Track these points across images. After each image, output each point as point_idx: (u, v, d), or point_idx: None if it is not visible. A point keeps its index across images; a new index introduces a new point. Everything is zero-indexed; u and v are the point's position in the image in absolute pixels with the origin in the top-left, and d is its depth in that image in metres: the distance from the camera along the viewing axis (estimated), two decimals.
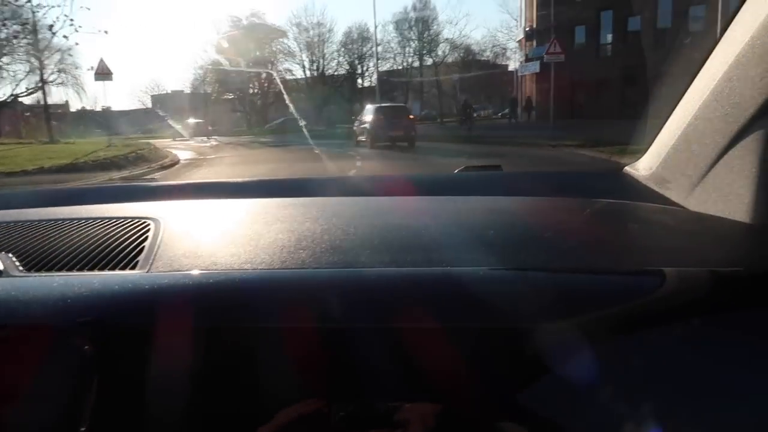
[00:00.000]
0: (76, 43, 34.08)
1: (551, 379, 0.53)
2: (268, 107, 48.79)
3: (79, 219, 0.90)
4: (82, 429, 0.53)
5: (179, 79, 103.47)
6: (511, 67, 48.57)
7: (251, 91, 49.26)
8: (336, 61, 49.24)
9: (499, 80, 49.53)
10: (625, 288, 0.61)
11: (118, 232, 0.81)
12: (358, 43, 48.60)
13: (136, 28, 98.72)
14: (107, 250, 0.73)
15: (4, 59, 28.18)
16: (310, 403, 0.55)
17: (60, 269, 0.69)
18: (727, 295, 0.60)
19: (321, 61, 48.62)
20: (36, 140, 27.99)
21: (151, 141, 25.51)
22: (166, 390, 0.55)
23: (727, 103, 0.82)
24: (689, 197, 0.94)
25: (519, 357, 0.55)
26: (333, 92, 46.66)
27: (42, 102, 34.02)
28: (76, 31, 19.48)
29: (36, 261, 0.71)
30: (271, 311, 0.58)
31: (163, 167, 14.06)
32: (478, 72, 44.14)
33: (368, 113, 18.25)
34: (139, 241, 0.76)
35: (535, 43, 34.36)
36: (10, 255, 0.72)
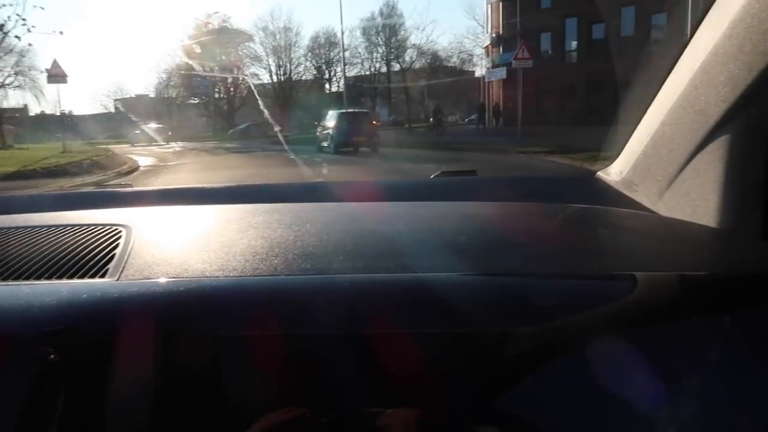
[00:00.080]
0: (30, 44, 32.71)
1: (526, 384, 0.54)
2: (234, 112, 48.09)
3: (49, 226, 0.87)
4: None
5: (143, 83, 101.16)
6: (477, 74, 48.96)
7: (217, 95, 48.46)
8: (303, 65, 48.92)
9: (466, 86, 49.82)
10: (595, 293, 0.62)
11: (89, 239, 0.79)
12: (325, 48, 48.34)
13: (99, 30, 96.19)
14: (76, 258, 0.72)
15: None
16: (291, 410, 0.54)
17: (27, 278, 0.67)
18: (695, 300, 0.61)
19: (288, 65, 48.20)
20: None
21: (110, 147, 24.76)
22: (136, 400, 0.55)
23: (693, 110, 0.85)
24: (659, 202, 0.97)
25: (493, 362, 0.55)
26: (300, 97, 46.20)
27: None
28: (29, 31, 18.59)
29: (2, 269, 0.70)
30: (243, 319, 0.58)
31: (120, 174, 13.49)
32: (446, 78, 44.33)
33: (331, 119, 18.29)
34: (109, 248, 0.75)
35: (501, 49, 34.61)
36: None
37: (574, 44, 31.19)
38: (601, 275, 0.66)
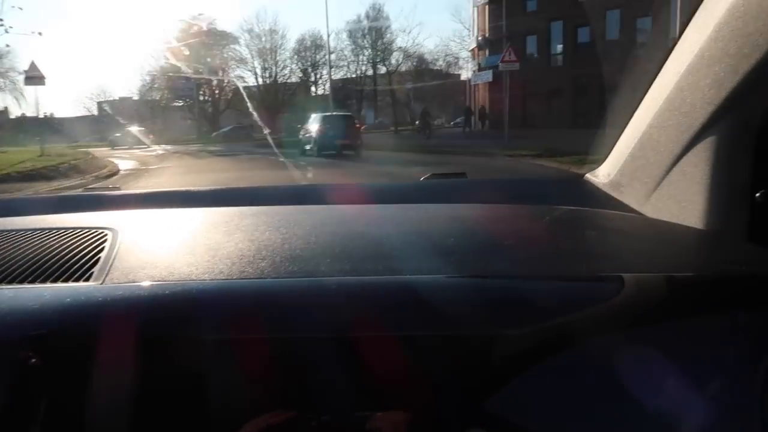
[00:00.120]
0: (7, 45, 32.07)
1: (515, 386, 0.55)
2: (219, 115, 47.67)
3: (33, 230, 0.86)
4: None
5: (127, 85, 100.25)
6: (463, 77, 49.02)
7: (202, 98, 48.02)
8: (289, 68, 48.64)
9: (452, 89, 49.85)
10: (584, 294, 0.62)
11: (74, 242, 0.78)
12: (311, 50, 48.10)
13: (82, 31, 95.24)
14: (61, 262, 0.71)
15: None
16: (280, 413, 0.54)
17: (11, 282, 0.66)
18: (682, 301, 0.61)
19: (274, 68, 47.89)
20: None
21: (91, 150, 24.30)
22: (120, 405, 0.54)
23: (679, 112, 0.86)
24: (646, 204, 0.98)
25: (482, 364, 0.56)
26: (286, 100, 45.89)
27: None
28: (6, 32, 18.18)
29: None
30: (229, 322, 0.58)
31: (99, 178, 13.18)
32: (432, 81, 44.28)
33: (314, 122, 18.33)
34: (94, 251, 0.74)
35: (487, 52, 34.62)
36: None
37: (559, 47, 31.26)
38: (589, 277, 0.66)
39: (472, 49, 38.89)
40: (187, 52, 40.23)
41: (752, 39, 0.70)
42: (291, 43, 69.69)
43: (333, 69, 45.80)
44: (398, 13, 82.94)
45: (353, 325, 0.57)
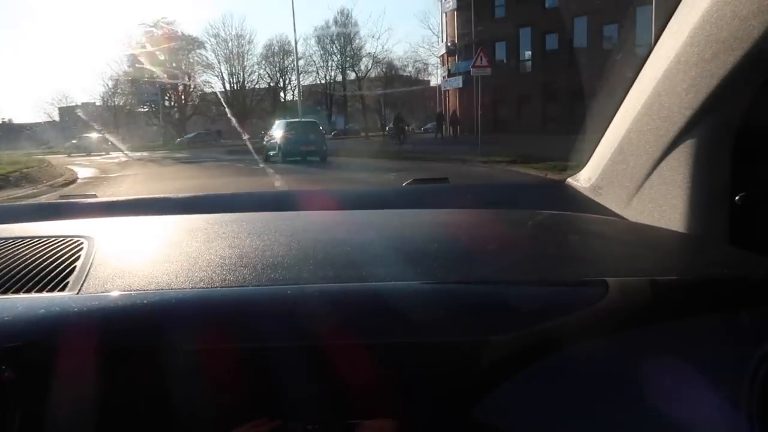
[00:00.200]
0: None
1: (501, 392, 0.54)
2: (186, 120, 46.73)
3: (6, 239, 0.84)
4: None
5: (90, 90, 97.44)
6: (432, 83, 49.17)
7: (168, 103, 46.98)
8: (257, 74, 48.00)
9: (422, 95, 49.91)
10: (568, 299, 0.62)
11: (48, 251, 0.77)
12: (279, 56, 47.62)
13: (43, 35, 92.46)
14: (35, 272, 0.69)
15: None
16: (264, 422, 0.54)
17: None
18: (666, 305, 0.61)
19: (241, 73, 47.20)
20: None
21: (48, 157, 23.31)
22: (97, 418, 0.53)
23: (658, 117, 0.87)
24: (627, 208, 0.99)
25: (468, 371, 0.55)
26: (254, 106, 45.22)
27: None
28: None
29: None
30: (209, 332, 0.56)
31: (53, 188, 12.48)
32: (401, 87, 44.22)
33: (278, 128, 18.24)
34: (70, 260, 0.73)
35: (457, 58, 34.63)
36: None
37: (528, 54, 31.43)
38: (574, 282, 0.67)
39: (442, 55, 38.92)
40: (151, 57, 39.29)
41: (727, 43, 0.72)
42: (258, 48, 69.13)
43: (302, 75, 45.46)
44: (367, 19, 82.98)
45: (337, 332, 0.56)
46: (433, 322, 0.57)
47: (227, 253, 0.74)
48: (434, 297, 0.61)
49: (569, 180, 1.25)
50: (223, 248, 0.76)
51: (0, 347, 0.53)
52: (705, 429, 0.52)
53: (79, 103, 53.50)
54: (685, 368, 0.54)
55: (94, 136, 34.15)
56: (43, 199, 10.33)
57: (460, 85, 32.69)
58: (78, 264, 0.71)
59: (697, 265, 0.76)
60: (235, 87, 46.64)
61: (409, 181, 1.44)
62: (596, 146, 1.12)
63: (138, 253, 0.80)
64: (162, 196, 1.44)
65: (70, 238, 0.83)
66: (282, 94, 49.29)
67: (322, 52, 46.46)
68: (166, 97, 46.52)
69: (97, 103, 49.89)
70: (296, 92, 42.31)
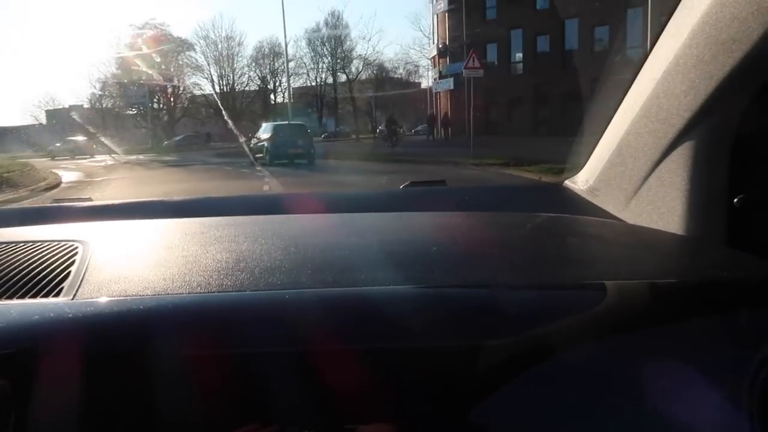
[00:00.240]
0: None
1: (499, 396, 0.54)
2: (175, 123, 46.31)
3: None
4: None
5: (78, 93, 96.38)
6: (423, 85, 49.02)
7: (157, 106, 46.53)
8: (247, 76, 47.66)
9: (413, 97, 49.76)
10: (567, 303, 0.62)
11: (42, 256, 0.76)
12: (269, 58, 47.32)
13: (30, 37, 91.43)
14: (29, 277, 0.68)
15: None
16: (259, 427, 0.53)
17: None
18: (665, 307, 0.61)
19: (231, 75, 46.84)
20: None
21: (32, 161, 22.91)
22: (93, 426, 0.52)
23: (656, 119, 0.87)
24: (625, 210, 0.99)
25: (465, 375, 0.55)
26: (244, 108, 44.89)
27: None
28: None
29: None
30: (207, 337, 0.56)
31: (35, 192, 12.22)
32: (392, 88, 44.07)
33: (266, 131, 18.36)
34: (65, 265, 0.72)
35: (448, 60, 34.48)
36: None
37: (519, 56, 31.34)
38: (572, 285, 0.66)
39: (433, 57, 38.77)
40: (139, 58, 38.89)
41: (726, 45, 0.72)
42: (248, 50, 68.66)
43: (292, 77, 45.19)
44: (358, 21, 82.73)
45: (337, 337, 0.55)
46: (430, 326, 0.56)
47: (224, 257, 0.73)
48: (432, 301, 0.61)
49: (567, 182, 1.24)
50: (219, 252, 0.75)
51: None
52: (704, 430, 0.52)
53: (67, 106, 52.97)
54: (683, 371, 0.53)
55: (79, 139, 33.69)
56: (25, 203, 10.02)
57: (451, 87, 32.53)
58: (73, 269, 0.70)
59: (695, 268, 0.75)
60: (225, 89, 46.30)
61: (406, 183, 1.43)
62: (593, 148, 1.11)
63: (133, 257, 0.78)
64: (157, 199, 1.40)
65: (64, 243, 0.81)
66: (273, 97, 49.03)
67: (312, 53, 46.30)
68: (155, 100, 46.09)
69: (85, 106, 49.40)
70: (287, 94, 42.04)
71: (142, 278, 0.66)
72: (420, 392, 0.54)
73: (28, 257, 0.75)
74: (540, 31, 29.28)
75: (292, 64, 44.78)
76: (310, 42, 45.91)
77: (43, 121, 55.02)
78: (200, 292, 0.61)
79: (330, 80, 46.35)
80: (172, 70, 43.86)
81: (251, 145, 19.47)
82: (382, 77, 46.34)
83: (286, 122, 21.03)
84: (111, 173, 18.09)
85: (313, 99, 47.78)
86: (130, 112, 46.92)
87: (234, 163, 18.42)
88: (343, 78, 45.70)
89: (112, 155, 29.43)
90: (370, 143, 32.47)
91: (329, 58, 45.52)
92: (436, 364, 0.55)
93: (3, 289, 0.64)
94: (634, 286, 0.64)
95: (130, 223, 1.04)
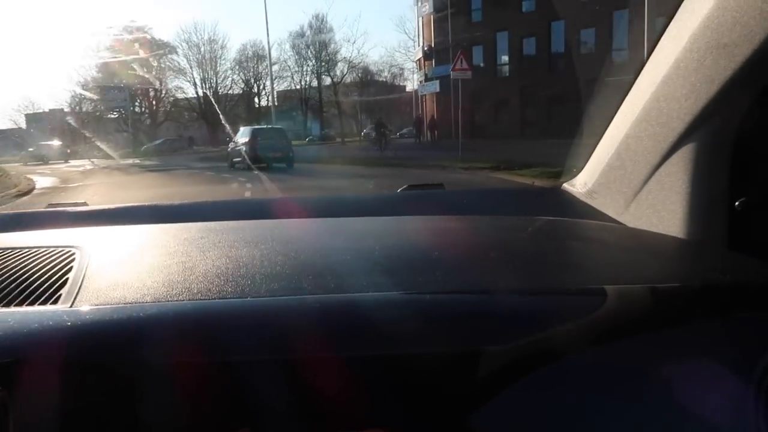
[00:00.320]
0: None
1: (499, 402, 0.54)
2: (157, 126, 45.59)
3: None
4: None
5: (57, 97, 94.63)
6: (408, 88, 48.80)
7: (139, 109, 45.77)
8: (230, 79, 47.06)
9: (398, 100, 49.49)
10: (565, 307, 0.62)
11: (39, 262, 0.75)
12: (253, 61, 46.77)
13: (8, 40, 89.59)
14: (26, 284, 0.67)
15: None
16: None
17: None
18: (666, 312, 0.61)
19: (214, 79, 46.21)
20: None
21: (5, 166, 22.24)
22: None
23: (656, 122, 0.87)
24: (625, 213, 0.99)
25: (465, 381, 0.55)
26: (228, 111, 44.30)
27: None
28: None
29: None
30: (210, 345, 0.55)
31: (7, 198, 11.79)
32: (377, 91, 43.77)
33: (244, 135, 18.21)
34: (62, 272, 0.70)
35: (434, 62, 34.24)
36: None
37: (505, 58, 31.19)
38: (572, 289, 0.66)
39: (418, 60, 38.53)
40: (119, 62, 38.16)
41: (727, 49, 0.72)
42: (232, 53, 67.99)
43: (277, 80, 44.74)
44: (342, 23, 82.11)
45: (339, 343, 0.55)
46: (429, 331, 0.56)
47: (224, 262, 0.72)
48: (431, 306, 0.60)
49: (565, 185, 1.24)
50: (219, 258, 0.74)
51: None
52: None
53: (47, 110, 51.96)
54: (685, 375, 0.53)
55: (54, 143, 32.93)
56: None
57: (437, 90, 32.29)
58: (70, 275, 0.69)
59: (697, 271, 0.75)
60: (208, 92, 45.69)
61: (404, 186, 1.43)
62: (591, 151, 1.11)
63: (131, 263, 0.76)
64: (153, 203, 1.39)
65: (61, 249, 0.80)
66: (257, 100, 48.50)
67: (297, 56, 45.84)
68: (137, 103, 45.35)
69: (66, 110, 48.48)
70: (270, 98, 41.54)
71: (142, 285, 0.64)
72: (418, 399, 0.53)
73: (25, 264, 0.73)
74: (526, 34, 29.15)
75: (276, 67, 44.43)
76: (294, 45, 45.52)
77: (23, 125, 54.01)
78: (201, 299, 0.60)
79: (315, 83, 45.98)
80: (153, 73, 43.13)
81: (229, 149, 19.27)
82: (367, 80, 46.01)
83: (264, 126, 21.03)
84: (87, 179, 17.54)
85: (298, 102, 47.34)
86: (112, 116, 46.10)
87: (216, 168, 18.07)
88: (328, 81, 45.36)
89: (91, 160, 28.75)
90: (356, 146, 32.09)
91: (314, 60, 45.14)
92: (435, 370, 0.54)
93: (0, 296, 0.63)
94: (635, 290, 0.64)
95: (127, 229, 1.02)
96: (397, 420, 0.53)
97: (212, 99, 44.41)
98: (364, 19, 67.11)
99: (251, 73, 46.96)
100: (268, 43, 46.00)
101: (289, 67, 46.06)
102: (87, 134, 39.22)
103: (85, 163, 26.74)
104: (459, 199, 1.45)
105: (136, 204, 1.42)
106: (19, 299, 0.62)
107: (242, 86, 47.28)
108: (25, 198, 12.44)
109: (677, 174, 0.84)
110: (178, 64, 46.23)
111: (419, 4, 36.08)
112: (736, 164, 0.80)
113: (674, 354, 0.55)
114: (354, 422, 0.52)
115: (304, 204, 1.40)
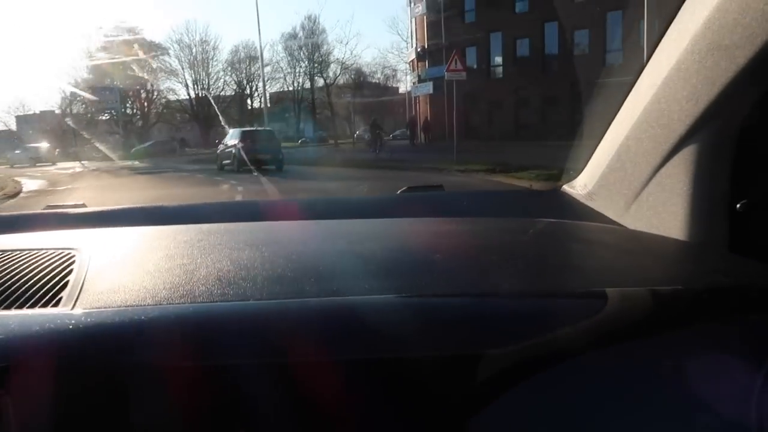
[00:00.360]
0: None
1: (499, 406, 0.54)
2: (149, 128, 45.22)
3: None
4: None
5: (47, 99, 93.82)
6: (401, 89, 48.65)
7: (130, 111, 45.38)
8: (223, 80, 46.76)
9: (391, 102, 49.33)
10: (566, 310, 0.61)
11: (39, 265, 0.74)
12: (245, 62, 46.49)
13: None
14: (26, 287, 0.66)
15: None
16: None
17: None
18: (669, 315, 0.61)
19: (206, 80, 45.92)
20: None
21: None
22: None
23: (657, 124, 0.87)
24: (625, 215, 0.99)
25: (466, 384, 0.55)
26: (221, 113, 43.99)
27: None
28: None
29: None
30: (213, 348, 0.55)
31: None
32: (370, 93, 43.62)
33: (233, 137, 18.02)
34: (62, 274, 0.70)
35: (427, 63, 34.10)
36: None
37: (499, 59, 31.09)
38: (573, 292, 0.66)
39: (411, 61, 38.39)
40: (110, 63, 37.78)
41: (729, 51, 0.72)
42: (224, 54, 67.58)
43: (269, 81, 44.49)
44: (335, 24, 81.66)
45: (342, 347, 0.55)
46: (430, 335, 0.55)
47: (225, 265, 0.71)
48: (432, 310, 0.60)
49: (565, 187, 1.24)
50: (220, 260, 0.73)
51: None
52: None
53: (38, 112, 51.41)
54: (687, 379, 0.53)
55: (43, 145, 32.57)
56: None
57: (431, 91, 32.12)
58: (71, 278, 0.68)
59: (698, 274, 0.75)
60: (200, 94, 45.37)
61: (403, 188, 1.43)
62: (591, 153, 1.11)
63: (132, 265, 0.76)
64: (153, 204, 1.38)
65: (60, 251, 0.79)
66: (249, 101, 48.21)
67: (289, 58, 45.60)
68: (128, 104, 44.95)
69: (56, 111, 47.98)
70: (262, 99, 41.28)
71: (142, 287, 0.64)
72: (418, 403, 0.53)
73: (24, 266, 0.73)
74: (520, 35, 29.06)
75: (268, 69, 44.19)
76: (286, 46, 45.27)
77: (14, 127, 53.45)
78: (203, 302, 0.60)
79: (308, 85, 45.76)
80: (145, 74, 42.75)
81: (218, 152, 19.08)
82: (360, 82, 45.83)
83: (254, 128, 20.85)
84: (76, 181, 17.24)
85: (290, 104, 47.08)
86: (103, 118, 45.69)
87: (208, 170, 17.86)
88: (320, 82, 45.15)
89: (81, 162, 28.40)
90: (349, 148, 31.89)
91: (306, 62, 44.93)
92: (436, 373, 0.54)
93: (0, 299, 0.62)
94: (636, 292, 0.63)
95: (127, 230, 1.01)
96: (399, 424, 0.53)
97: (205, 100, 44.12)
98: (357, 21, 67.24)
99: (243, 75, 46.74)
100: (260, 44, 45.76)
101: (282, 68, 45.90)
102: (77, 136, 38.86)
103: (74, 166, 26.42)
104: (459, 200, 1.44)
105: (134, 206, 1.40)
106: (20, 302, 0.61)
107: (235, 88, 47.03)
108: (11, 201, 12.19)
109: (678, 176, 0.84)
110: (170, 65, 45.93)
111: (412, 5, 35.95)
112: (738, 166, 0.80)
113: (676, 357, 0.54)
114: (356, 426, 0.52)
115: (304, 206, 1.39)
